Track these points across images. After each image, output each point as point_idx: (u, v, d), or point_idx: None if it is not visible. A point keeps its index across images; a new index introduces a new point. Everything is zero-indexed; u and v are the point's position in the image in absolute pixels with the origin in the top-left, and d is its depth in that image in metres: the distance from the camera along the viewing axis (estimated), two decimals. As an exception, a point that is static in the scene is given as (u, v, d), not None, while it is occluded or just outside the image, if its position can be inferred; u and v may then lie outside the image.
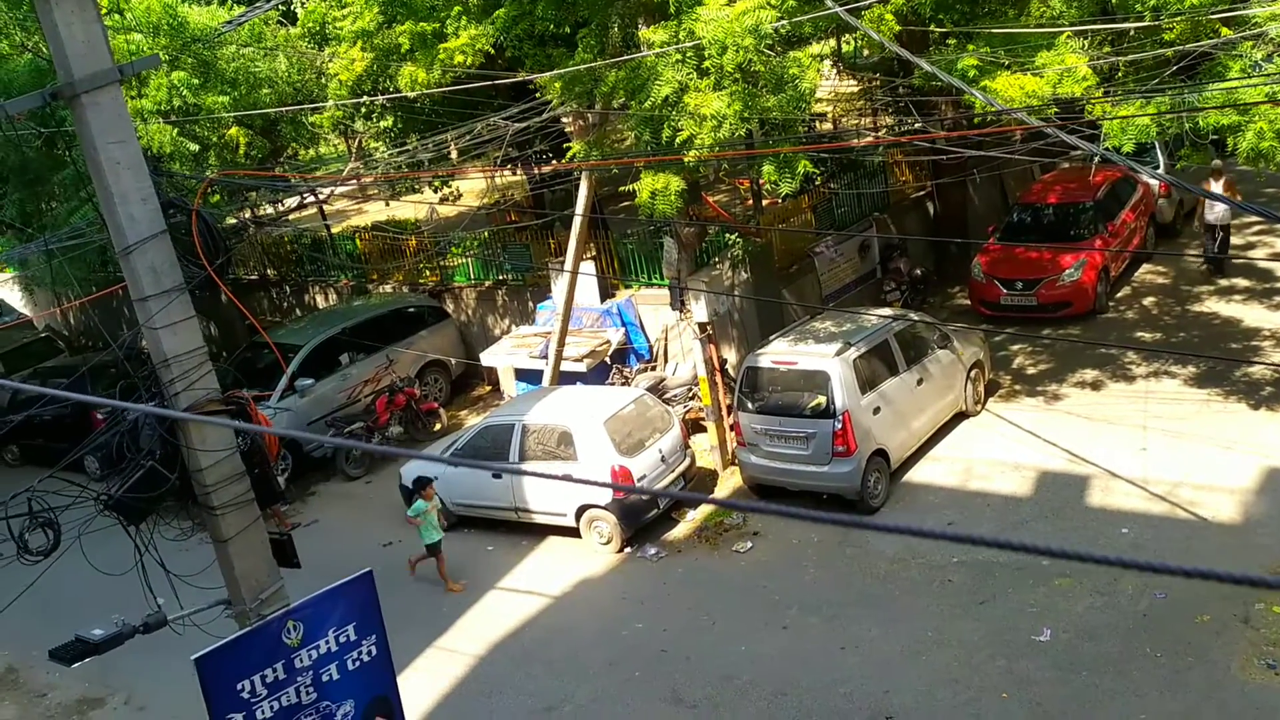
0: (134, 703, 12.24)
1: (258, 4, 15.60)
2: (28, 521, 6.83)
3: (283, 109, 17.12)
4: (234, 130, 16.84)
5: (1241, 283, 16.98)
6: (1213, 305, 16.48)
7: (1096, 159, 12.05)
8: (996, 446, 13.80)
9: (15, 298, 27.07)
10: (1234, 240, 17.96)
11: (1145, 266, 18.24)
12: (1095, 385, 14.78)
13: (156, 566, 7.01)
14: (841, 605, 11.43)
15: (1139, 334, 16.11)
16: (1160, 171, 17.74)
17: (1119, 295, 17.47)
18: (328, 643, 6.86)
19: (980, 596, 11.04)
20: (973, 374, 14.54)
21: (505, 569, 13.58)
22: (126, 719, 12.06)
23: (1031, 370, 15.67)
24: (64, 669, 8.12)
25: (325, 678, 6.85)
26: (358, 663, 7.03)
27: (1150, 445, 12.98)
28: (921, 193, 20.04)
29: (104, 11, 9.22)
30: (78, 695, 12.52)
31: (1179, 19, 10.31)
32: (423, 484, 13.17)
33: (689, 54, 11.21)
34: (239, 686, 6.46)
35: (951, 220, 19.54)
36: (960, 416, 14.50)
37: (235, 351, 18.96)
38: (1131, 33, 11.31)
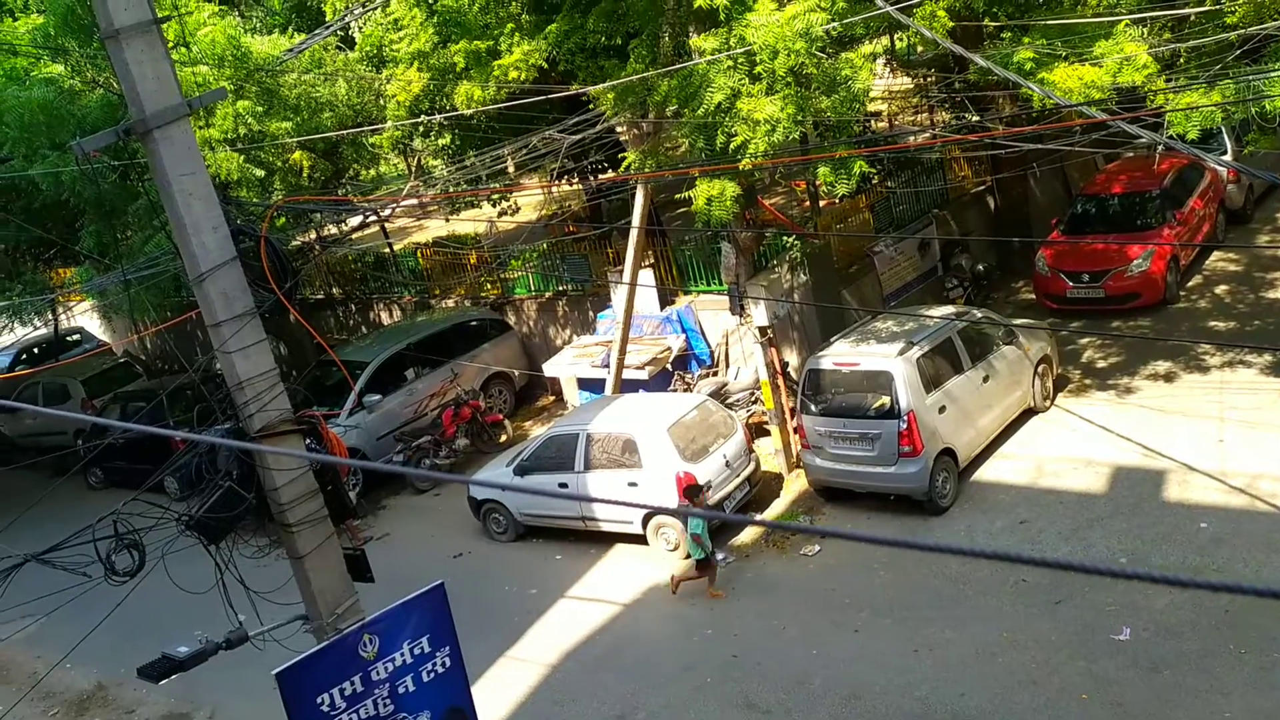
0: (218, 717, 12.56)
1: (317, 31, 15.94)
2: (114, 544, 7.07)
3: (343, 132, 17.47)
4: (297, 154, 17.23)
5: (1318, 267, 16.53)
6: (1289, 291, 16.06)
7: (1160, 147, 11.81)
8: (1067, 442, 13.58)
9: (95, 326, 27.92)
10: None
11: (1216, 254, 17.81)
12: (1168, 377, 14.47)
13: (236, 583, 7.22)
14: (913, 607, 11.33)
15: (1212, 324, 15.74)
16: (1228, 157, 17.30)
17: (1190, 284, 17.08)
18: (403, 655, 6.99)
19: (1056, 596, 10.87)
20: (1040, 369, 14.33)
21: (574, 577, 13.69)
22: (212, 732, 12.39)
23: (1101, 364, 15.39)
24: (151, 685, 8.36)
25: (401, 689, 6.99)
26: (432, 674, 7.15)
27: (1227, 437, 12.68)
28: (981, 187, 19.79)
29: (171, 46, 9.50)
30: (164, 711, 12.88)
31: (1241, 1, 10.08)
32: (695, 492, 12.39)
33: (740, 60, 11.24)
34: (319, 700, 6.61)
35: (1013, 214, 19.27)
36: (1029, 413, 14.29)
37: (305, 370, 19.36)
38: (1192, 17, 11.09)
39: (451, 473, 17.08)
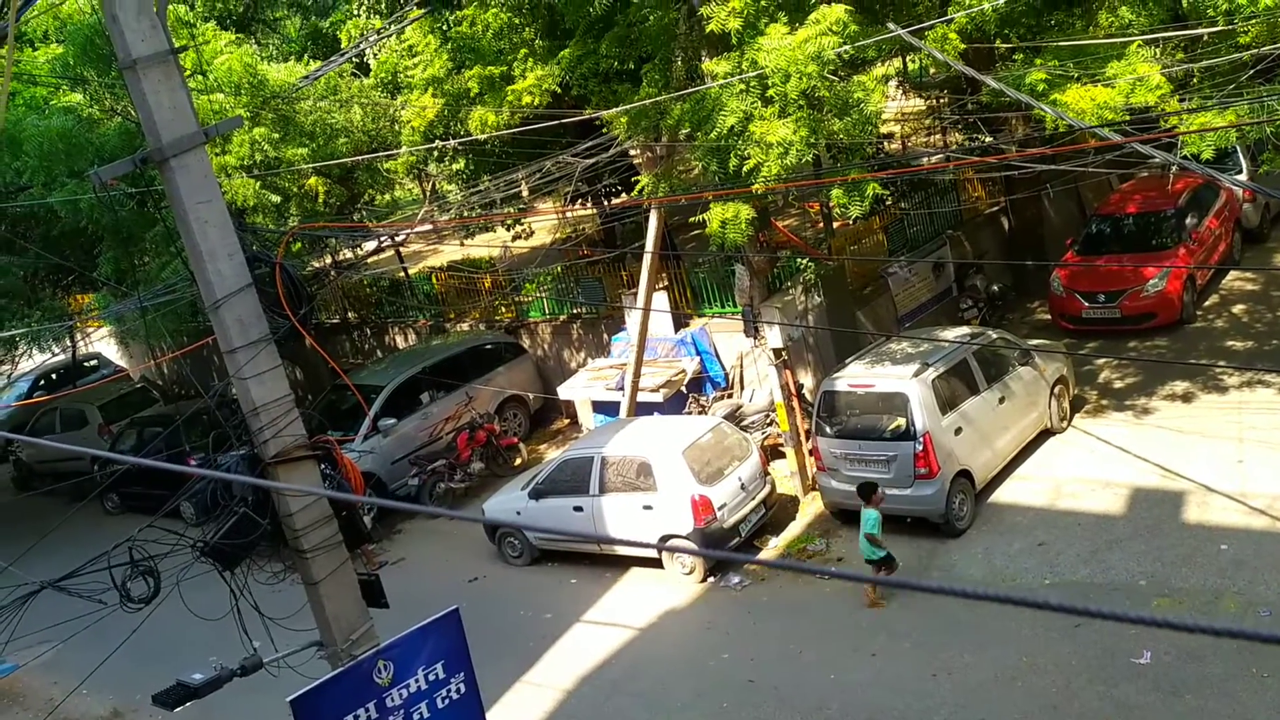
0: (234, 743, 12.51)
1: (332, 58, 16.10)
2: (129, 570, 7.08)
3: (358, 158, 17.60)
4: (313, 180, 17.36)
5: (1337, 285, 16.42)
6: (1307, 310, 15.95)
7: (1175, 167, 11.79)
8: (1085, 464, 13.48)
9: (112, 351, 28.11)
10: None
11: (1233, 273, 17.72)
12: (1186, 397, 14.37)
13: (251, 610, 7.21)
14: (931, 631, 11.23)
15: (1229, 343, 15.64)
16: (1243, 177, 17.24)
17: (1206, 303, 16.99)
18: (417, 681, 6.97)
19: (1075, 620, 10.74)
20: (1056, 390, 14.25)
21: (590, 601, 13.64)
22: (227, 759, 12.33)
23: (1118, 384, 15.30)
24: (165, 712, 8.36)
25: (416, 716, 6.96)
26: (447, 700, 7.12)
27: (1247, 457, 12.57)
28: (995, 208, 19.78)
29: (188, 74, 9.60)
30: (180, 736, 12.84)
31: (1254, 21, 10.07)
32: (870, 490, 12.07)
33: (753, 83, 11.28)
34: (333, 727, 6.59)
35: (1027, 234, 19.23)
36: (1046, 434, 14.20)
37: (320, 395, 19.42)
38: (1205, 38, 11.08)
39: (468, 495, 17.07)
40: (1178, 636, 10.09)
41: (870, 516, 11.93)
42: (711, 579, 13.34)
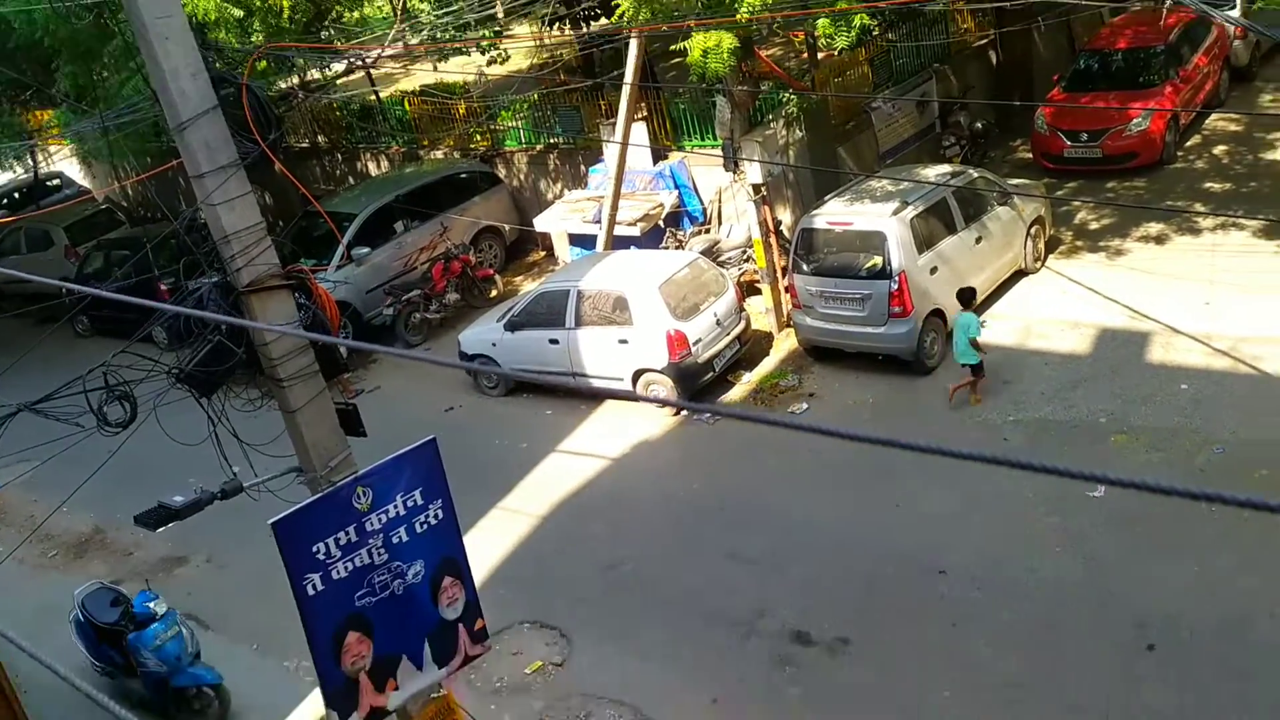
0: (215, 561, 12.88)
1: None
2: (104, 395, 7.07)
3: (326, -31, 16.75)
4: (278, -7, 16.54)
5: (1320, 129, 16.29)
6: (1288, 154, 15.86)
7: (1169, 2, 11.46)
8: (1056, 304, 13.63)
9: (75, 170, 27.38)
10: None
11: (1217, 113, 17.53)
12: (1160, 239, 14.42)
13: (230, 435, 7.26)
14: (897, 465, 11.52)
15: (1208, 185, 15.61)
16: (1235, 13, 16.81)
17: (1189, 144, 16.86)
18: (396, 507, 7.09)
19: (1035, 455, 11.06)
20: (1033, 231, 14.25)
21: (565, 432, 13.88)
22: (209, 576, 12.71)
23: (1094, 225, 15.31)
24: (147, 531, 8.50)
25: (395, 540, 7.11)
26: (425, 525, 7.27)
27: (1215, 300, 12.73)
28: (984, 41, 19.28)
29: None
30: (162, 554, 13.20)
31: None
32: (970, 296, 12.31)
33: (740, -99, 10.76)
34: (314, 549, 6.73)
35: (1015, 69, 18.84)
36: (1019, 274, 14.29)
37: (291, 221, 19.10)
38: None
39: (443, 326, 17.08)
40: (1132, 471, 10.44)
41: (973, 321, 12.00)
42: (684, 413, 13.56)
